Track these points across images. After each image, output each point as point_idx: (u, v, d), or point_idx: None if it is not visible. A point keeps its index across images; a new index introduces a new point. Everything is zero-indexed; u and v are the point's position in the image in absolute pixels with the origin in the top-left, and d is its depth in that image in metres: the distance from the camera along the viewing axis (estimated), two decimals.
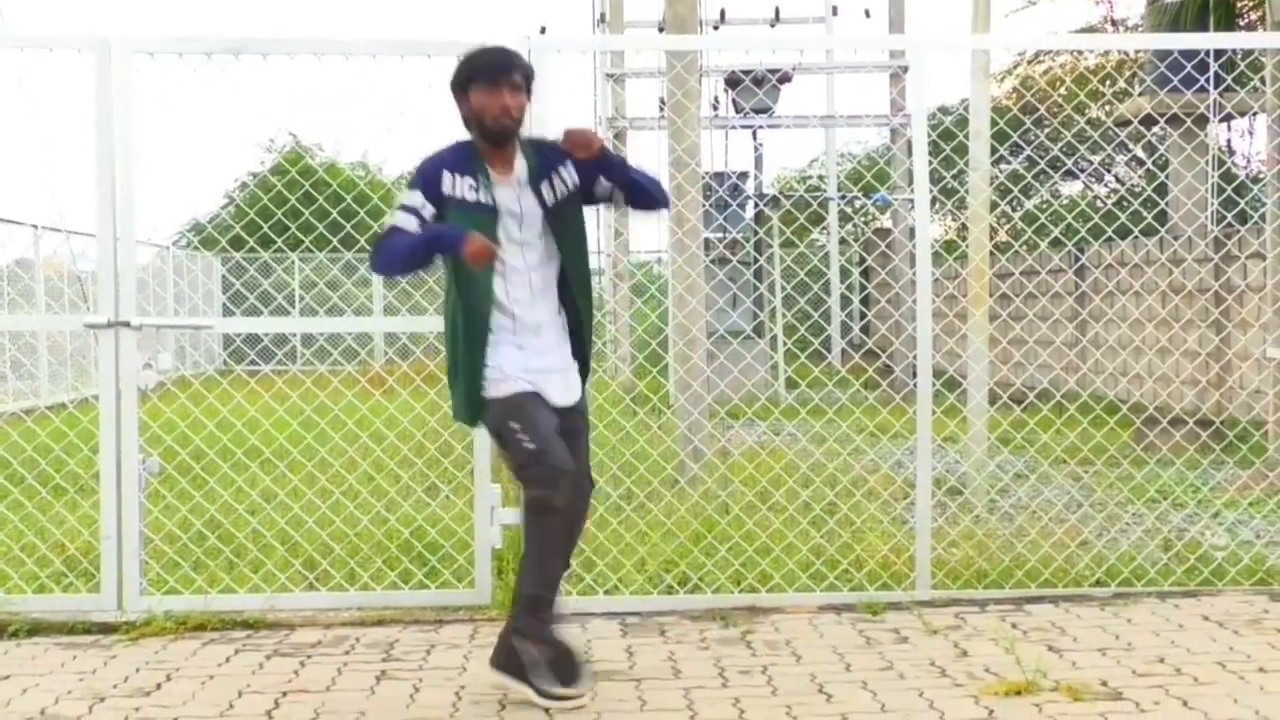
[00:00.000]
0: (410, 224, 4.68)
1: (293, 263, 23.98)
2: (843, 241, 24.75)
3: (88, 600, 6.11)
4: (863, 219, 28.70)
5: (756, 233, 18.54)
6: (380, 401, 7.61)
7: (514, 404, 4.72)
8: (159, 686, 5.10)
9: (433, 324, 6.78)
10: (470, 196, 4.74)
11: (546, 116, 6.05)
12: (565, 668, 4.74)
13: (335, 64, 6.07)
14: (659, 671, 5.24)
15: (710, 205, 16.46)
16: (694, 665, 5.31)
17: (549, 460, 4.64)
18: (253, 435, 7.36)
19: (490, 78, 4.75)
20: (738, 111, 18.57)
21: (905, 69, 18.62)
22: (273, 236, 6.70)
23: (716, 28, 20.53)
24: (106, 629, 5.92)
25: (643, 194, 4.94)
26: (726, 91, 18.74)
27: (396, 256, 4.71)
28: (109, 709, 4.82)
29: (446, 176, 4.74)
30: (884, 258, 17.96)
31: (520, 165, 4.86)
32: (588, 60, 20.72)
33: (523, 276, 4.82)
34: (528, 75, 4.85)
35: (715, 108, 19.23)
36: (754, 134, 19.45)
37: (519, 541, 6.10)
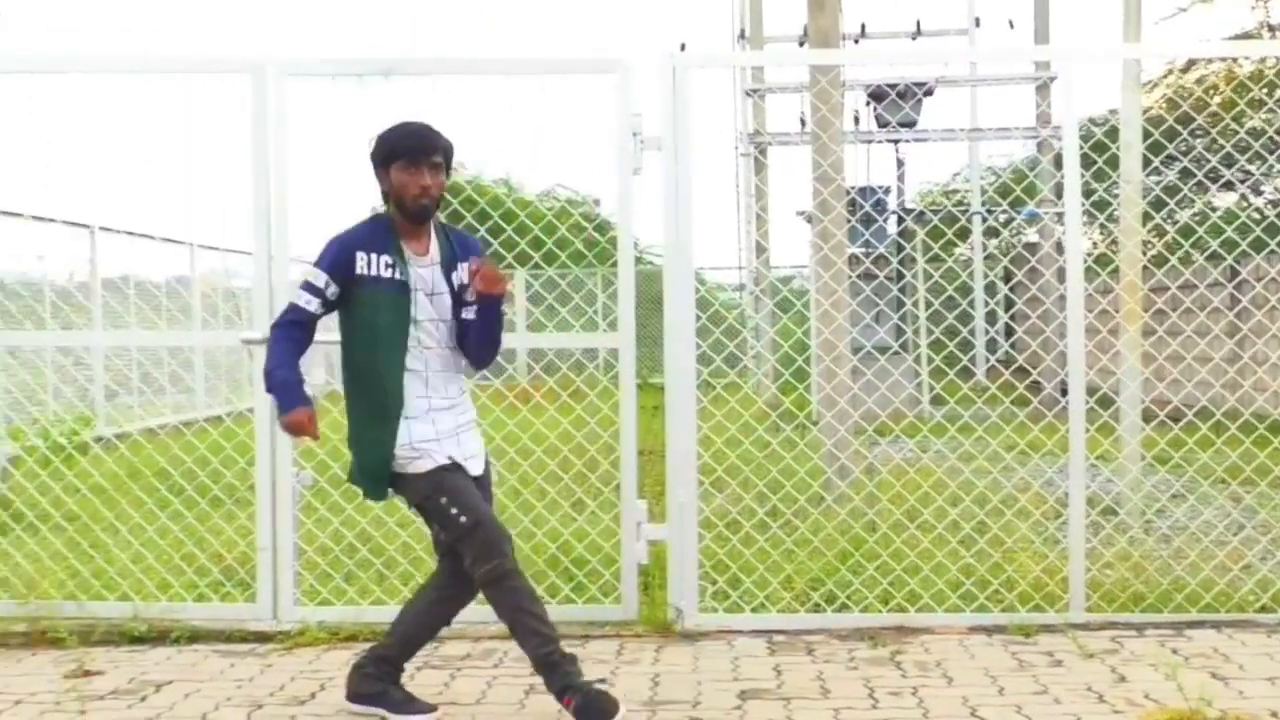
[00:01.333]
0: (313, 305, 4.73)
1: None
2: (988, 256, 24.35)
3: (244, 609, 6.25)
4: (1009, 233, 28.22)
5: (901, 248, 18.33)
6: (527, 416, 7.64)
7: (435, 479, 4.75)
8: (313, 695, 5.20)
9: (580, 340, 6.80)
10: (385, 274, 4.74)
11: (689, 134, 6.05)
12: (601, 702, 4.73)
13: (481, 83, 6.13)
14: (807, 691, 5.19)
15: (854, 221, 16.32)
16: (843, 685, 5.25)
17: (488, 530, 4.72)
18: None
19: (411, 157, 4.76)
20: (880, 125, 18.38)
21: (1052, 80, 18.28)
22: None
23: (857, 41, 20.36)
24: (262, 638, 6.05)
25: (483, 345, 4.95)
26: (869, 105, 18.57)
27: (268, 362, 4.77)
28: (267, 716, 4.92)
29: (360, 257, 4.73)
30: (1032, 272, 17.61)
31: (434, 247, 4.88)
32: (726, 76, 20.78)
33: (435, 353, 4.85)
34: (448, 154, 4.86)
35: (856, 122, 19.06)
36: (897, 148, 19.24)
37: (664, 556, 6.12)
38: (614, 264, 6.24)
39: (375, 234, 4.79)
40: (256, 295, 6.22)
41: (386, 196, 4.85)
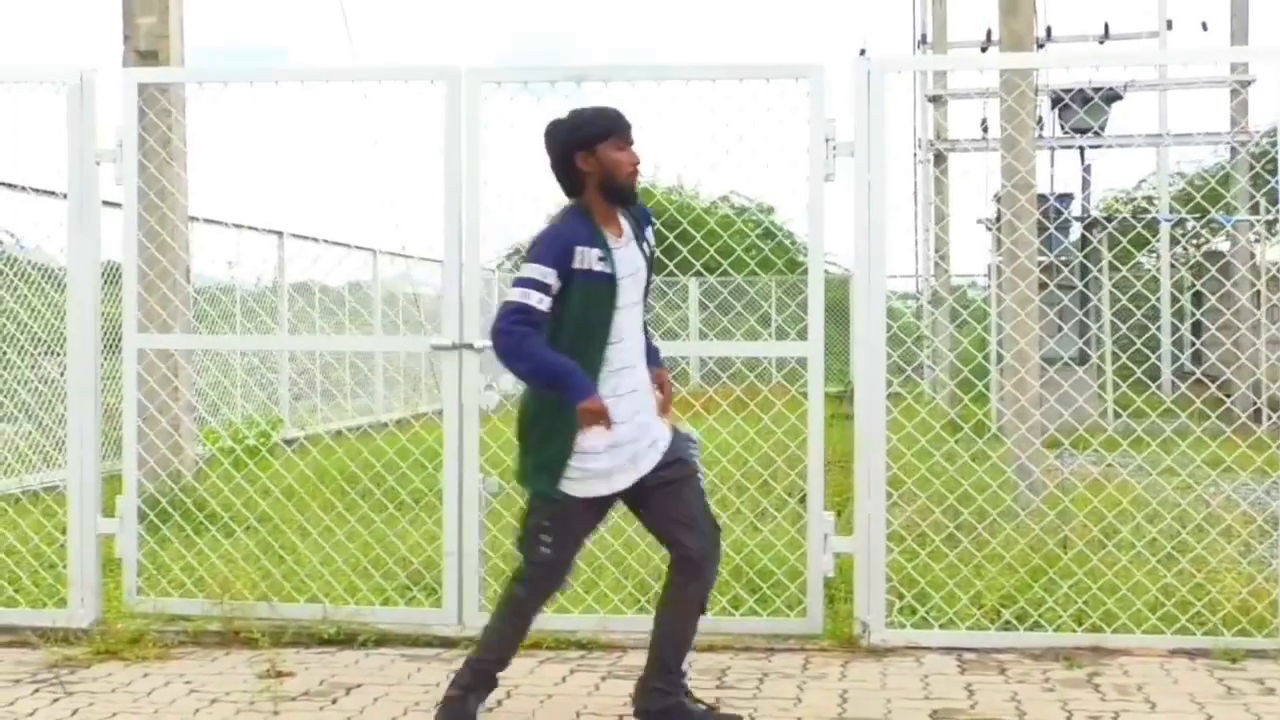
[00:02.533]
0: (544, 304, 4.55)
1: None
2: (1171, 265, 23.59)
3: (431, 614, 6.30)
4: (1192, 242, 27.32)
5: (1079, 256, 17.86)
6: (713, 426, 7.56)
7: (564, 509, 4.71)
8: (500, 703, 5.20)
9: (768, 349, 6.73)
10: (597, 267, 4.63)
11: (882, 140, 5.94)
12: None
13: (673, 89, 6.10)
14: (1002, 712, 5.04)
15: (1052, 228, 15.97)
16: (1039, 707, 5.08)
17: (556, 575, 4.79)
18: None
19: (621, 134, 4.71)
20: (1067, 131, 17.94)
21: (1249, 83, 17.63)
22: None
23: (1042, 45, 19.91)
24: (448, 643, 6.09)
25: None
26: (1053, 110, 18.13)
27: (529, 362, 4.56)
28: None
29: (577, 252, 4.61)
30: (1215, 282, 17.00)
31: (624, 225, 4.80)
32: (905, 82, 20.48)
33: (632, 340, 4.77)
34: None
35: (1040, 127, 18.63)
36: (1082, 154, 18.76)
37: (850, 570, 6.00)
38: (802, 271, 6.14)
39: (583, 227, 4.69)
40: (447, 302, 6.27)
41: (576, 183, 4.74)
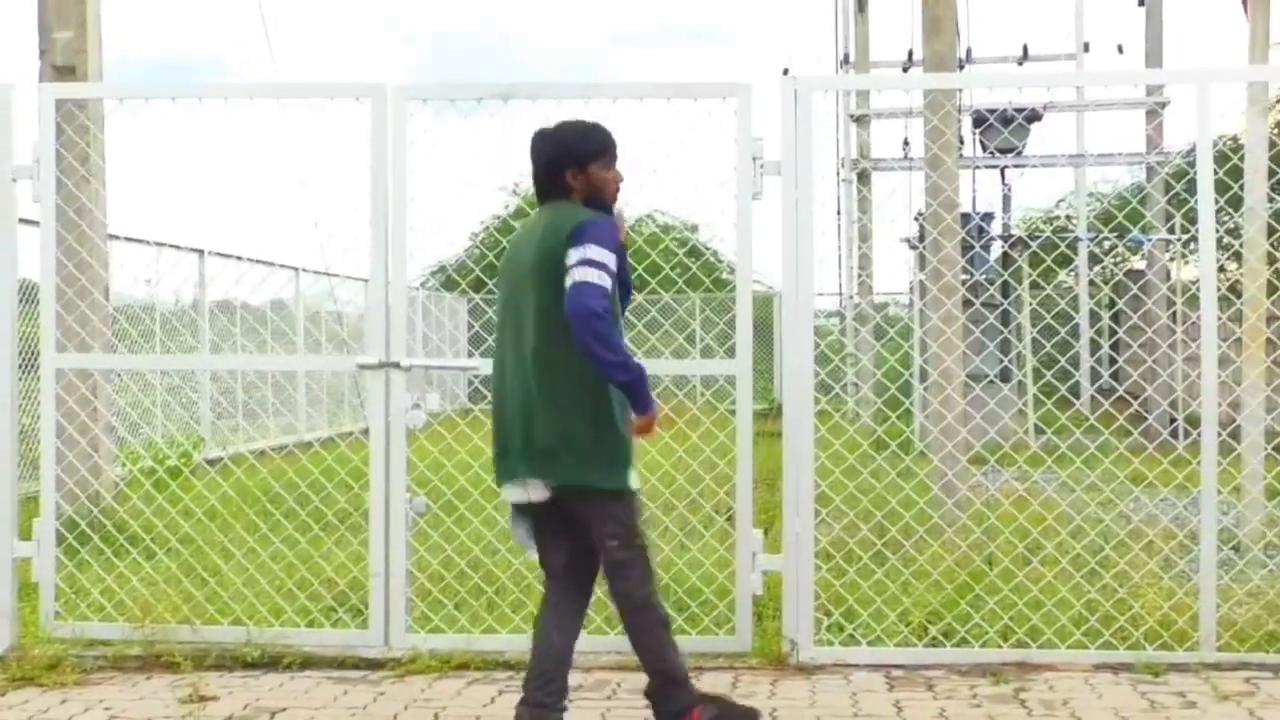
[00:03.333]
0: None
1: None
2: (1091, 284, 23.93)
3: (356, 636, 6.23)
4: (1112, 260, 27.73)
5: (1001, 275, 18.07)
6: (641, 444, 7.51)
7: (638, 501, 4.74)
8: None
9: (695, 367, 6.73)
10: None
11: (809, 158, 5.97)
12: None
13: (600, 107, 6.09)
14: None
15: (977, 246, 16.16)
16: None
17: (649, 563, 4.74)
18: None
19: (612, 155, 4.75)
20: (985, 151, 18.17)
21: (1163, 105, 17.94)
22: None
23: (962, 66, 20.16)
24: (374, 665, 6.02)
25: None
26: (975, 130, 18.35)
27: (620, 355, 4.44)
28: None
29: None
30: (1135, 300, 17.27)
31: None
32: (829, 101, 20.62)
33: None
34: None
35: (960, 146, 18.85)
36: (1002, 174, 19.00)
37: (779, 587, 6.00)
38: (729, 289, 6.15)
39: None
40: (372, 320, 6.21)
41: (559, 194, 4.71)
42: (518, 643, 6.08)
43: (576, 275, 4.40)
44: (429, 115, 6.16)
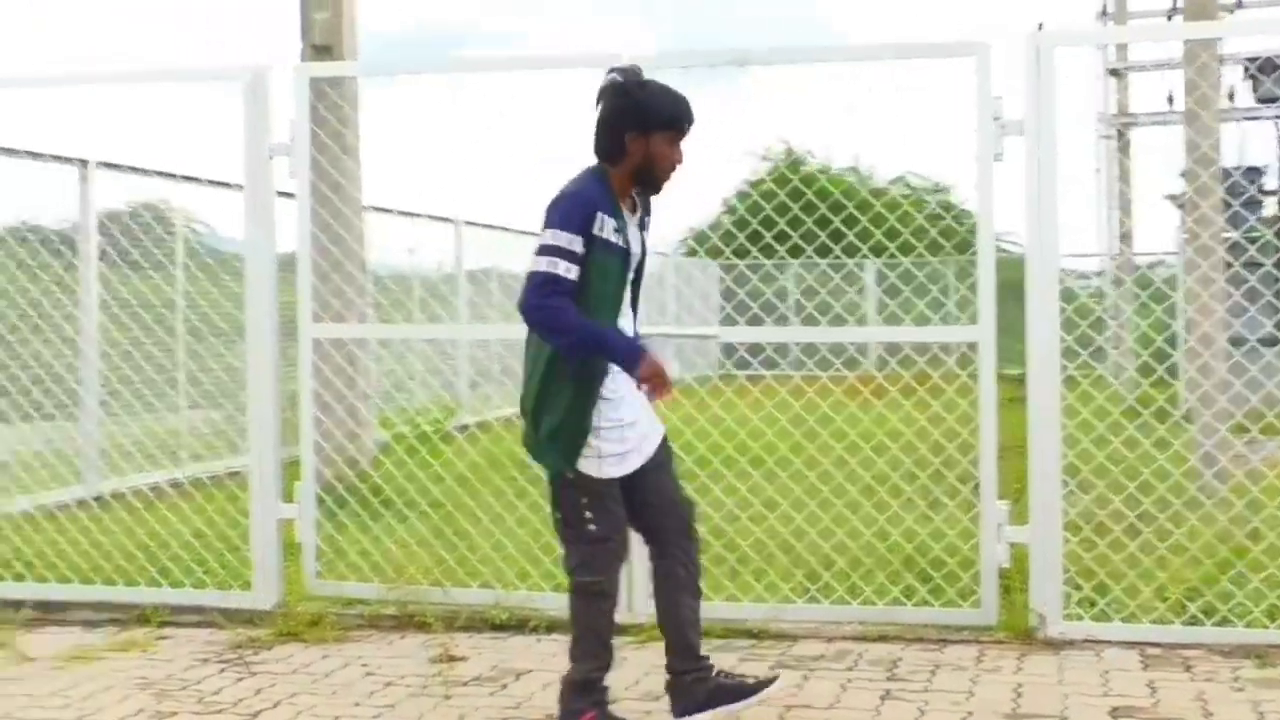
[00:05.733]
0: (573, 273, 4.31)
1: (792, 270, 24.12)
2: None
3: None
4: None
5: (1268, 233, 17.12)
6: (883, 413, 7.44)
7: (595, 488, 4.47)
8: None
9: (937, 333, 6.62)
10: (612, 239, 4.41)
11: (1052, 116, 5.75)
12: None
13: (834, 70, 6.00)
14: (1186, 712, 4.84)
15: (1237, 205, 15.34)
16: (1228, 709, 4.87)
17: (611, 550, 4.55)
18: (755, 444, 7.42)
19: (679, 128, 4.49)
20: (1260, 101, 17.22)
21: None
22: (774, 245, 6.63)
23: (1232, 12, 19.13)
24: (620, 629, 6.06)
25: None
26: (1247, 79, 17.41)
27: (570, 335, 4.33)
28: (624, 711, 4.89)
29: (597, 218, 4.37)
30: None
31: (636, 203, 4.63)
32: (1083, 56, 19.86)
33: (628, 320, 4.60)
34: None
35: (1231, 98, 17.90)
36: (1278, 124, 17.98)
37: (1025, 560, 5.84)
38: (972, 253, 5.98)
39: (604, 194, 4.46)
40: None
41: (614, 153, 4.49)
42: (758, 611, 6.09)
43: (529, 264, 4.39)
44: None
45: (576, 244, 4.32)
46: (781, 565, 6.55)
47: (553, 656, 5.72)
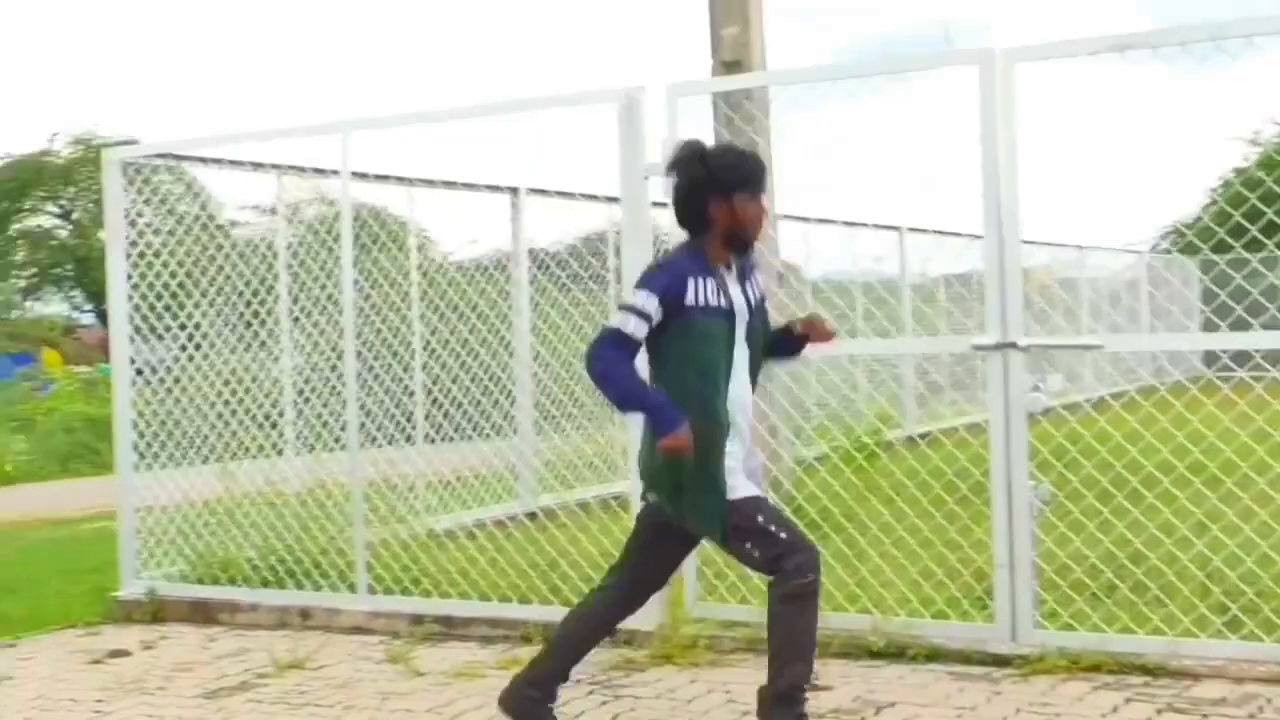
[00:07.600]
0: (641, 332, 4.55)
1: None
2: None
3: (983, 630, 5.93)
4: None
5: None
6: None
7: (754, 502, 4.60)
8: None
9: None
10: (714, 301, 4.59)
11: None
12: None
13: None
14: None
15: None
16: None
17: (804, 544, 4.58)
18: (1149, 463, 6.75)
19: (759, 186, 4.65)
20: None
21: None
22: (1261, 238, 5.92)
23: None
24: (1000, 661, 5.71)
25: (784, 356, 5.14)
26: None
27: (617, 388, 4.59)
28: None
29: (690, 284, 4.56)
30: None
31: (734, 264, 4.74)
32: None
33: (742, 377, 4.70)
34: None
35: None
36: None
37: None
38: None
39: (698, 260, 4.65)
40: (989, 298, 5.88)
41: (700, 222, 4.67)
42: (1156, 645, 5.55)
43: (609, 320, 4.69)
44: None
45: (651, 304, 4.54)
46: (1182, 595, 5.91)
47: (924, 688, 5.43)
